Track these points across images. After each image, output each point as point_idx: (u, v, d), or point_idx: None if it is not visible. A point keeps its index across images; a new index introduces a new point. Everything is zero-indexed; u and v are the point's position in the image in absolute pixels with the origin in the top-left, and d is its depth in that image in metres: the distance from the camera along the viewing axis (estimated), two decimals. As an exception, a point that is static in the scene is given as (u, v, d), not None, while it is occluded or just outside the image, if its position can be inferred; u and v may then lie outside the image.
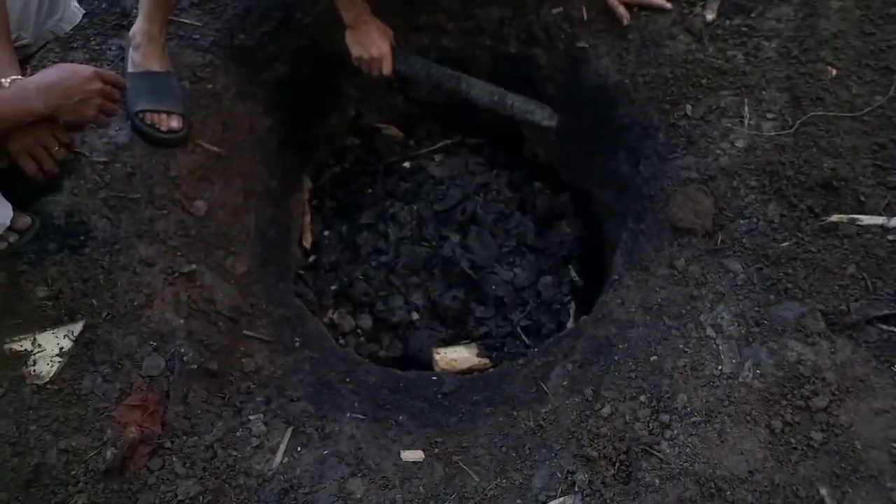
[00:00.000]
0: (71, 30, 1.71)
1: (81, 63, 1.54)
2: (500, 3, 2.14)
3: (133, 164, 1.77)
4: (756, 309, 1.48)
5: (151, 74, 1.79)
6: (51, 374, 1.48)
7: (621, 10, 1.91)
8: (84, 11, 1.60)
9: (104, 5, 1.97)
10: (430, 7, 2.19)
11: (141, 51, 1.78)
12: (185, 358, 1.58)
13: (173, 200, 1.81)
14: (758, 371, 1.39)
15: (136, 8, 1.86)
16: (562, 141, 2.29)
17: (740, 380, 1.40)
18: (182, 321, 1.66)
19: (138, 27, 1.79)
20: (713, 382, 1.41)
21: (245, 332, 1.79)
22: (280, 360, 1.77)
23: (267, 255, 2.07)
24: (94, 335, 1.54)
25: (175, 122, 1.80)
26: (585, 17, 2.00)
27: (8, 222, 1.45)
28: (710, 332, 1.49)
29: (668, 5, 1.89)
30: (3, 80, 1.22)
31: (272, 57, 2.10)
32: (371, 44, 1.89)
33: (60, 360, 1.49)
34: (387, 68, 1.93)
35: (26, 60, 1.58)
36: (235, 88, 2.03)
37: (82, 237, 1.64)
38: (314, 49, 2.17)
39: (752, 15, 1.81)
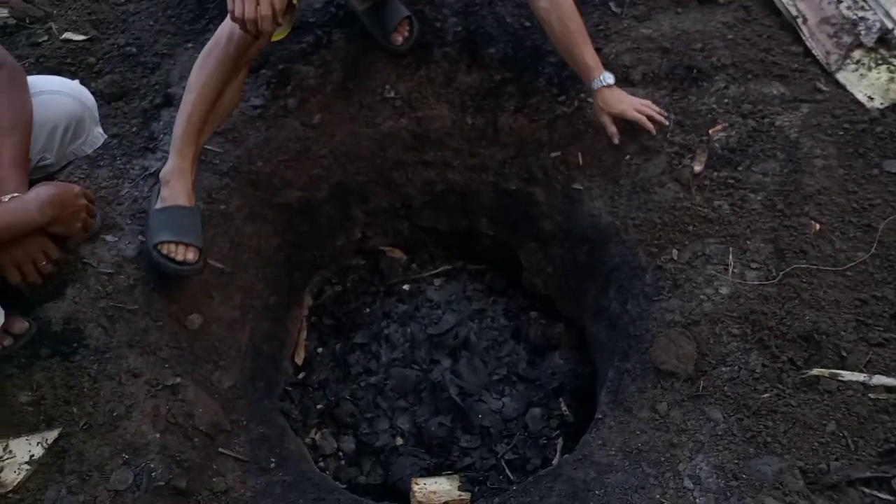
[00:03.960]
0: (97, 150, 1.84)
1: (75, 184, 1.61)
2: (503, 144, 2.26)
3: (136, 277, 1.84)
4: (735, 461, 1.44)
5: (176, 209, 1.80)
6: (15, 483, 1.47)
7: (612, 128, 1.97)
8: (106, 136, 1.73)
9: (134, 129, 2.14)
10: (438, 145, 2.32)
11: (170, 187, 1.80)
12: (153, 474, 1.57)
13: (170, 313, 1.87)
14: (735, 531, 1.33)
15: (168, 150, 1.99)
16: (558, 273, 2.33)
17: (716, 539, 1.34)
18: (158, 435, 1.66)
19: (170, 166, 1.81)
20: (688, 540, 1.35)
21: (220, 449, 1.78)
22: (252, 481, 1.74)
23: (257, 370, 2.09)
24: (68, 444, 1.55)
25: (191, 255, 1.79)
26: (581, 162, 2.10)
27: (-2, 325, 1.50)
28: (687, 483, 1.44)
29: (653, 129, 1.94)
30: (4, 197, 1.33)
31: (286, 183, 2.23)
32: None
33: (28, 468, 1.49)
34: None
35: (49, 178, 1.71)
36: (247, 210, 2.14)
37: (75, 344, 1.69)
38: (327, 177, 2.29)
39: (739, 168, 1.88)
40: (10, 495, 1.44)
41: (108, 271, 1.83)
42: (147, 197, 1.96)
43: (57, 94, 1.55)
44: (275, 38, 2.19)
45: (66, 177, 1.93)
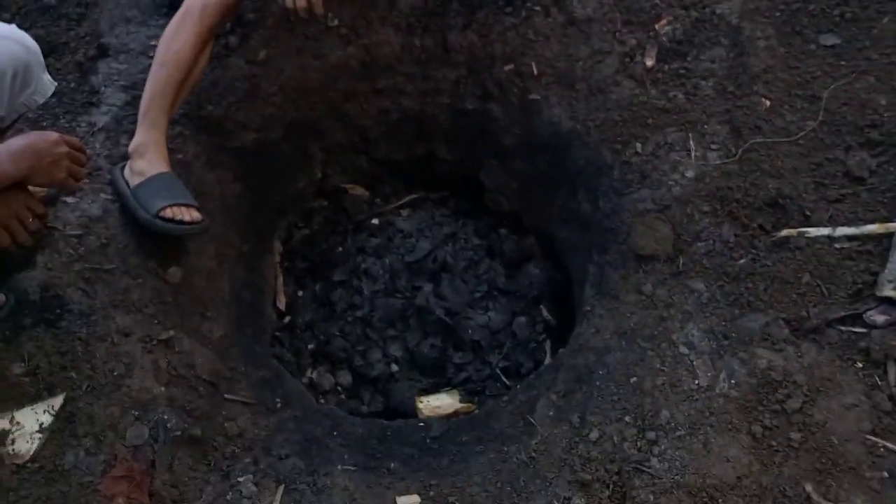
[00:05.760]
0: (40, 107, 1.73)
1: (52, 131, 1.56)
2: (455, 63, 2.26)
3: (107, 236, 1.78)
4: (723, 323, 1.56)
5: (161, 176, 1.76)
6: (31, 452, 1.44)
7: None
8: (56, 83, 1.62)
9: (73, 84, 2.02)
10: (389, 71, 2.30)
11: (146, 158, 1.76)
12: (168, 425, 1.56)
13: (148, 269, 1.82)
14: (732, 381, 1.46)
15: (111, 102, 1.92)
16: (522, 187, 2.39)
17: (717, 391, 1.46)
18: (163, 388, 1.64)
19: (143, 138, 1.77)
20: (692, 396, 1.47)
21: (226, 395, 1.78)
22: (263, 421, 1.76)
23: (242, 318, 2.08)
24: (75, 408, 1.52)
25: (196, 213, 1.78)
26: (535, 72, 2.14)
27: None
28: (683, 349, 1.56)
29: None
30: None
31: (240, 125, 2.17)
32: None
33: (41, 436, 1.46)
34: None
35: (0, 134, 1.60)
36: (205, 157, 2.08)
37: (58, 310, 1.63)
38: (280, 116, 2.24)
39: (688, 59, 1.97)
40: (28, 465, 1.41)
41: (77, 233, 1.75)
42: (100, 154, 1.88)
43: None
44: None
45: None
